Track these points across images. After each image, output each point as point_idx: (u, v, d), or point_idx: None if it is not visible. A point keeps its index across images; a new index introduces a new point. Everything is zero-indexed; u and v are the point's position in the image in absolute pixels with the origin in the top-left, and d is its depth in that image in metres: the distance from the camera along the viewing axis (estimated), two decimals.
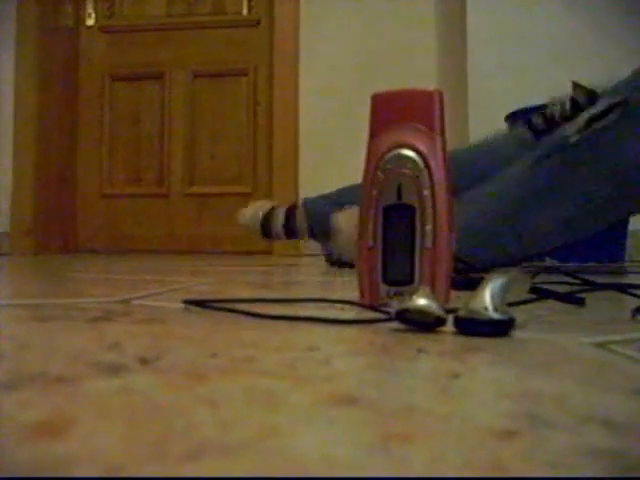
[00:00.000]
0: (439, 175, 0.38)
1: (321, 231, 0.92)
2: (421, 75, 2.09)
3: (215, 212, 2.24)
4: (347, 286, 0.63)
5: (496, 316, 0.28)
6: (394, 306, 0.31)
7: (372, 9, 2.12)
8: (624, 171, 0.81)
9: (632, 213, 1.01)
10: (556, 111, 0.93)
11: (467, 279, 0.46)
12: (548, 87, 1.61)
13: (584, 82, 1.44)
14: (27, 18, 2.12)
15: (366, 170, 0.43)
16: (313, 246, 2.10)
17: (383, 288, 0.39)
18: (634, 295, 0.43)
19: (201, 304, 0.37)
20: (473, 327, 0.28)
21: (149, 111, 2.29)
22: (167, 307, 0.41)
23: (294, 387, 0.19)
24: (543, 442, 0.14)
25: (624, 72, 1.65)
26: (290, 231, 1.03)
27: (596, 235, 1.39)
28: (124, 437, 0.14)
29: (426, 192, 0.38)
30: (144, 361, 0.22)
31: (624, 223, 1.44)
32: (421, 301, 0.28)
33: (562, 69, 1.63)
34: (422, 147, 0.39)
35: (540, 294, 0.40)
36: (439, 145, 0.39)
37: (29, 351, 0.24)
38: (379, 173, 0.41)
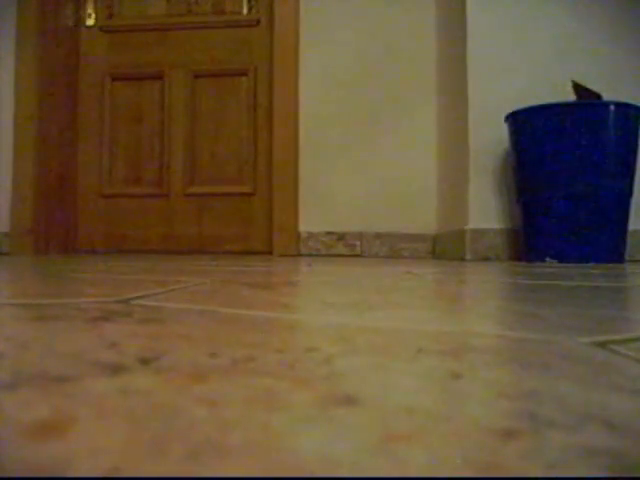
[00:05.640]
0: None
1: None
2: (421, 75, 2.10)
3: (215, 212, 2.24)
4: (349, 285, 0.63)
5: None
6: None
7: (372, 9, 2.12)
8: None
9: None
10: None
11: None
12: (548, 87, 1.61)
13: (585, 82, 1.44)
14: (27, 18, 2.12)
15: None
16: (312, 244, 2.10)
17: None
18: None
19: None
20: None
21: (149, 111, 2.29)
22: (167, 307, 0.41)
23: (294, 387, 0.19)
24: (543, 442, 0.14)
25: (625, 71, 1.66)
26: None
27: (596, 235, 1.40)
28: (124, 437, 0.14)
29: None
30: (144, 361, 0.22)
31: (624, 223, 1.44)
32: None
33: (562, 69, 1.64)
34: None
35: None
36: None
37: (29, 351, 0.24)
38: None
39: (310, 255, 2.09)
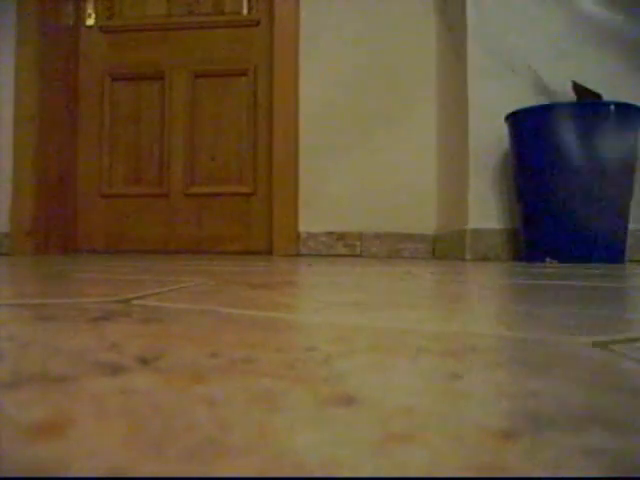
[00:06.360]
0: None
1: None
2: (421, 75, 2.10)
3: (215, 212, 2.24)
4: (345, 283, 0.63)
5: None
6: None
7: (372, 9, 2.12)
8: None
9: None
10: None
11: None
12: (548, 87, 1.61)
13: (585, 82, 1.44)
14: (27, 18, 2.12)
15: None
16: (312, 245, 2.10)
17: None
18: None
19: None
20: None
21: (149, 111, 2.29)
22: (167, 307, 0.41)
23: (294, 387, 0.19)
24: (543, 442, 0.14)
25: (625, 72, 1.66)
26: None
27: (596, 235, 1.40)
28: (124, 437, 0.14)
29: None
30: (144, 361, 0.22)
31: (624, 223, 1.44)
32: None
33: (563, 69, 1.64)
34: None
35: None
36: None
37: (29, 351, 0.24)
38: None
39: (310, 255, 2.09)
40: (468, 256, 1.62)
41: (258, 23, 2.25)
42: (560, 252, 1.42)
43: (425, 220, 2.08)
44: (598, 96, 1.45)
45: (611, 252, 1.41)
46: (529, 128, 1.47)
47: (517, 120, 1.51)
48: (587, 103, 1.44)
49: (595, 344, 0.28)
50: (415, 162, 2.09)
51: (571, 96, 1.49)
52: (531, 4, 1.68)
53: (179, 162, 2.27)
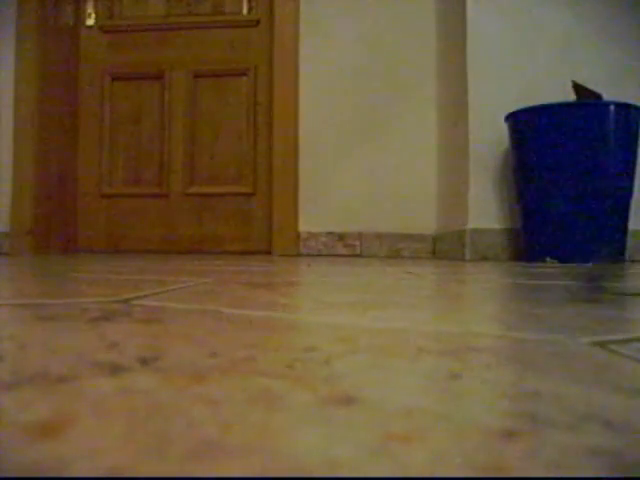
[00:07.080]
0: None
1: None
2: (421, 75, 2.10)
3: (215, 212, 2.24)
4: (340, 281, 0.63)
5: None
6: None
7: (372, 9, 2.12)
8: None
9: None
10: None
11: None
12: (549, 87, 1.61)
13: (585, 82, 1.44)
14: (27, 18, 2.12)
15: None
16: (312, 245, 2.10)
17: None
18: None
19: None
20: None
21: (149, 111, 2.29)
22: (167, 307, 0.41)
23: (294, 387, 0.19)
24: (543, 442, 0.14)
25: (625, 71, 1.66)
26: None
27: (596, 235, 1.40)
28: (124, 437, 0.14)
29: None
30: (144, 361, 0.22)
31: (624, 223, 1.44)
32: None
33: (563, 69, 1.64)
34: None
35: None
36: None
37: (29, 351, 0.24)
38: None
39: (310, 255, 2.09)
40: (468, 256, 1.62)
41: (258, 23, 2.25)
42: (560, 252, 1.42)
43: (425, 220, 2.08)
44: (598, 96, 1.45)
45: (611, 252, 1.41)
46: (529, 128, 1.47)
47: (517, 120, 1.51)
48: (587, 103, 1.44)
49: (595, 344, 0.28)
50: (415, 162, 2.09)
51: (571, 96, 1.49)
52: (531, 4, 1.67)
53: (179, 162, 2.27)
